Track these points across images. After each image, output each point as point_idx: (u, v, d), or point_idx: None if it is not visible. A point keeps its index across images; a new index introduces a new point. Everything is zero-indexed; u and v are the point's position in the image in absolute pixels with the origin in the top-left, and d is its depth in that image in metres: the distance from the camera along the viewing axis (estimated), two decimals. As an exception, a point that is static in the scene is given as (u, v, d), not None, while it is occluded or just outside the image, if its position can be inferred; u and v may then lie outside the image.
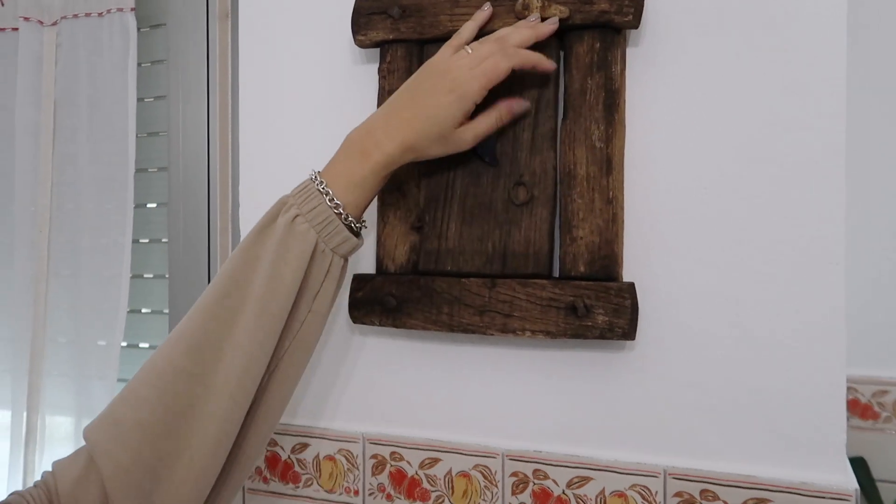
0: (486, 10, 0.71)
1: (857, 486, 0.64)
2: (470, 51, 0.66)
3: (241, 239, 0.66)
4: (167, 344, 0.62)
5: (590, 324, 0.66)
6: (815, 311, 0.65)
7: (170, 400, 0.60)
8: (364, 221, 0.68)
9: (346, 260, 0.67)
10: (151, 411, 0.60)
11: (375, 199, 0.75)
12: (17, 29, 1.14)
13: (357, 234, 0.67)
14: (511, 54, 0.65)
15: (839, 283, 0.65)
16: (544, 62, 0.67)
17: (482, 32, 0.71)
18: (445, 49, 0.69)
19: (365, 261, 0.81)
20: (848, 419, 1.20)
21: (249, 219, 0.88)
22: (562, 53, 0.71)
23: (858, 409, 1.20)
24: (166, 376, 0.60)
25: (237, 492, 0.68)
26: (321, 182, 0.64)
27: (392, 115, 0.66)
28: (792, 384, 0.66)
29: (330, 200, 0.63)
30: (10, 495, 0.58)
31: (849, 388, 1.19)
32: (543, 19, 0.68)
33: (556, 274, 0.70)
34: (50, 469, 0.61)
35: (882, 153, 1.16)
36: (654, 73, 0.70)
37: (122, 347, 1.13)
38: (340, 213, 0.64)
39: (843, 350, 0.65)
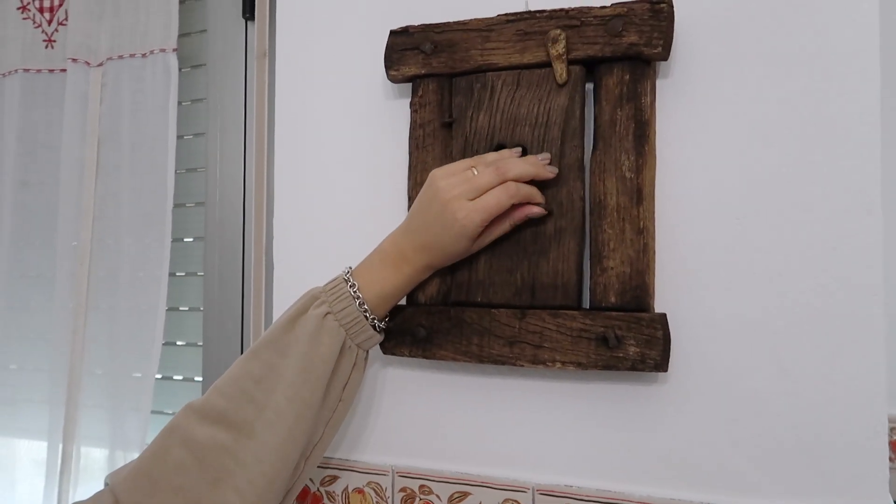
0: (515, 151, 0.71)
1: (901, 522, 0.62)
2: (476, 173, 0.68)
3: (272, 324, 0.72)
4: (205, 416, 0.68)
5: (621, 355, 0.66)
6: (855, 346, 0.64)
7: (206, 469, 0.65)
8: (387, 318, 0.74)
9: (367, 353, 0.74)
10: (188, 477, 0.65)
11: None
12: (64, 70, 1.19)
13: (380, 331, 0.73)
14: (512, 193, 0.67)
15: (880, 317, 0.63)
16: (543, 172, 0.69)
17: (515, 66, 0.73)
18: (458, 164, 0.70)
19: (396, 292, 0.81)
20: (893, 460, 1.15)
21: (283, 252, 0.89)
22: (591, 85, 0.71)
23: (905, 451, 1.15)
24: (204, 448, 0.66)
25: None
26: (353, 285, 0.70)
27: (419, 241, 0.70)
28: (831, 420, 0.64)
29: (360, 305, 0.69)
30: None
31: (893, 429, 1.15)
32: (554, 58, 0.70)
33: (587, 305, 0.70)
34: None
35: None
36: (683, 105, 0.70)
37: (157, 379, 1.15)
38: (368, 317, 0.70)
39: (885, 385, 0.63)
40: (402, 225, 0.72)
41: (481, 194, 0.67)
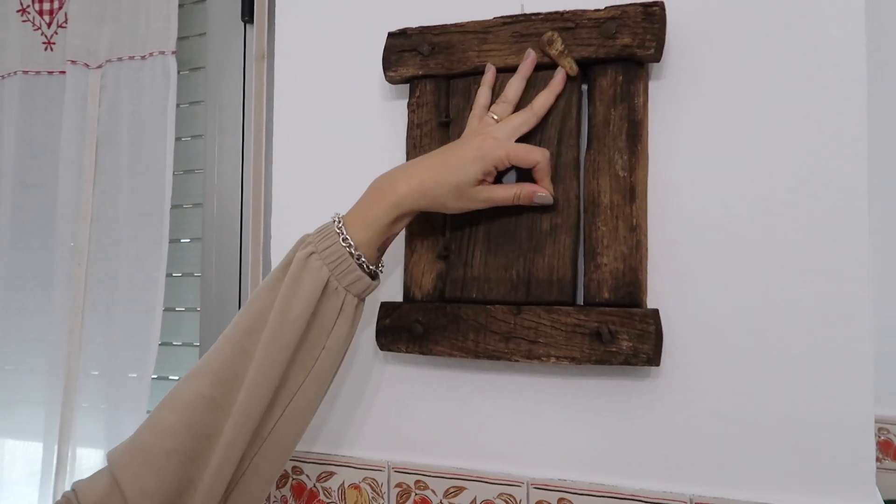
0: (490, 71, 0.75)
1: (887, 514, 0.63)
2: (496, 117, 0.71)
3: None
4: (194, 375, 0.66)
5: (615, 349, 0.67)
6: (842, 342, 0.65)
7: (197, 429, 0.63)
8: (382, 265, 0.71)
9: (362, 300, 0.70)
10: (179, 440, 0.63)
11: (403, 232, 0.77)
12: (64, 72, 1.20)
13: (373, 275, 0.69)
14: (536, 110, 0.71)
15: (865, 309, 0.65)
16: (558, 85, 0.72)
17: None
18: (472, 121, 0.73)
19: (392, 289, 0.82)
20: (881, 461, 1.17)
21: (280, 253, 0.90)
22: (585, 86, 0.73)
23: (891, 450, 1.17)
24: (193, 406, 0.64)
25: None
26: (339, 223, 0.68)
27: (416, 164, 0.71)
28: (820, 413, 0.66)
29: (343, 240, 0.67)
30: None
31: (882, 430, 1.16)
32: (555, 64, 0.72)
33: (581, 301, 0.71)
34: (69, 489, 0.63)
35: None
36: (675, 105, 0.72)
37: (153, 379, 1.15)
38: (353, 253, 0.67)
39: (871, 380, 0.65)
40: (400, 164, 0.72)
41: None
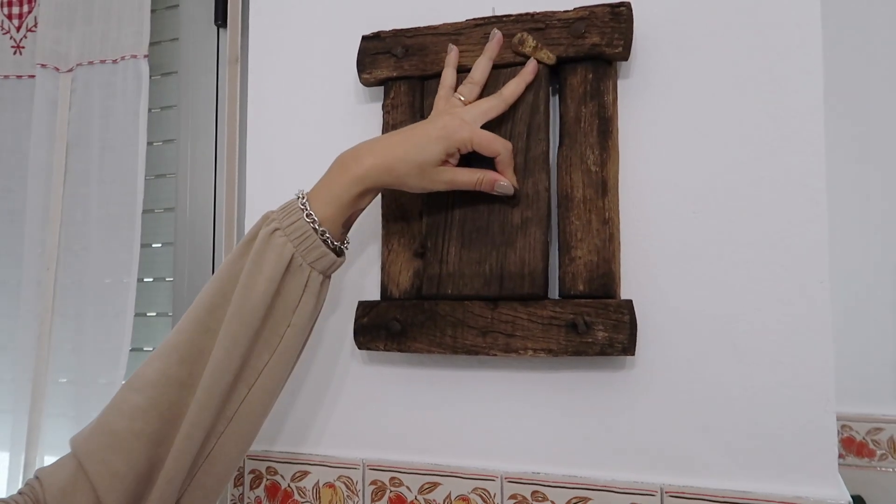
0: (453, 51, 0.76)
1: (849, 498, 0.65)
2: (463, 98, 0.72)
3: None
4: (159, 355, 0.65)
5: (590, 340, 0.68)
6: (804, 332, 0.68)
7: (164, 409, 0.63)
8: (347, 242, 0.71)
9: (327, 277, 0.69)
10: (146, 420, 0.62)
11: (380, 228, 0.78)
12: (33, 76, 1.19)
13: (338, 251, 0.69)
14: (506, 97, 0.72)
15: (826, 304, 0.67)
16: (526, 72, 0.73)
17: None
18: (439, 102, 0.74)
19: (369, 288, 0.83)
20: (844, 457, 1.20)
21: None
22: (556, 86, 0.75)
23: (854, 446, 1.20)
24: (160, 386, 0.63)
25: (215, 499, 0.69)
26: (303, 199, 0.67)
27: (381, 139, 0.71)
28: (783, 403, 0.68)
29: (307, 216, 0.66)
30: None
31: (844, 426, 1.20)
32: (524, 60, 0.74)
33: (556, 294, 0.73)
34: (33, 477, 0.62)
35: (866, 189, 1.20)
36: (643, 103, 0.74)
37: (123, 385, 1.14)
38: (317, 229, 0.66)
39: (832, 369, 0.67)
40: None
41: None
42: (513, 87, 0.72)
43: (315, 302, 0.69)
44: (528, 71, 0.73)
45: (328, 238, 0.67)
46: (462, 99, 0.72)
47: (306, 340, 0.71)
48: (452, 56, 0.76)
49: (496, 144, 0.69)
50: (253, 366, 0.66)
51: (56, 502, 0.60)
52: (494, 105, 0.71)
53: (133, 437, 0.61)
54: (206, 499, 0.67)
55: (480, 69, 0.73)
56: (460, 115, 0.69)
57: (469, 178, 0.70)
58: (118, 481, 0.60)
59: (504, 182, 0.70)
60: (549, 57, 0.73)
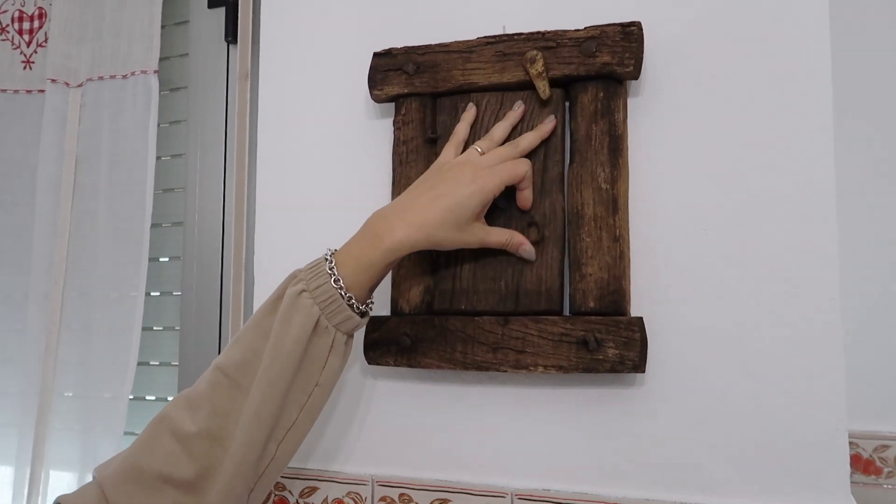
0: (471, 110, 0.77)
1: (862, 516, 0.65)
2: (479, 150, 0.72)
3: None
4: (190, 403, 0.66)
5: (601, 357, 0.69)
6: (815, 350, 0.68)
7: (195, 458, 0.64)
8: (371, 301, 0.72)
9: (350, 336, 0.70)
10: (177, 467, 0.63)
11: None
12: (42, 91, 1.20)
13: (362, 314, 0.70)
14: (519, 149, 0.73)
15: (836, 322, 0.68)
16: (545, 129, 0.75)
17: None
18: (450, 149, 0.75)
19: (380, 303, 0.83)
20: (850, 474, 1.19)
21: (262, 272, 0.91)
22: (567, 104, 0.75)
23: (861, 464, 1.19)
24: (192, 436, 0.64)
25: None
26: (331, 262, 0.68)
27: (411, 202, 0.70)
28: (794, 420, 0.68)
29: (335, 282, 0.67)
30: None
31: (851, 443, 1.19)
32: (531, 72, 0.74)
33: (567, 310, 0.73)
34: (56, 503, 0.62)
35: (875, 206, 1.20)
36: (653, 121, 0.75)
37: (130, 400, 1.14)
38: (343, 294, 0.67)
39: (843, 386, 0.67)
40: (401, 195, 0.72)
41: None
42: (529, 140, 0.74)
43: (341, 361, 0.70)
44: (547, 129, 0.74)
45: (353, 303, 0.68)
46: (479, 151, 0.73)
47: (328, 398, 0.72)
48: (470, 114, 0.77)
49: (520, 168, 0.71)
50: (283, 424, 0.67)
51: None
52: (511, 155, 0.73)
53: (161, 480, 0.62)
54: None
55: (501, 130, 0.75)
56: (483, 164, 0.71)
57: (498, 238, 0.72)
58: None
59: (528, 248, 0.73)
60: (544, 91, 0.74)
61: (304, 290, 0.67)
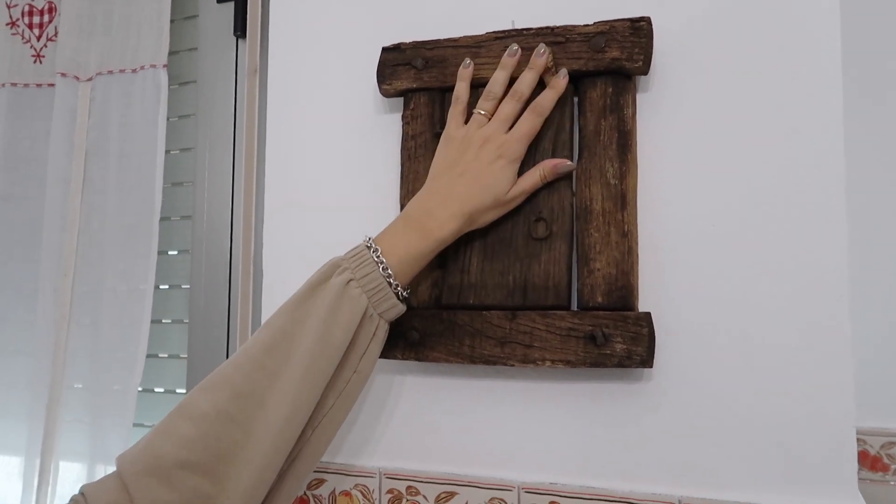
0: (468, 67, 0.76)
1: (869, 513, 0.65)
2: (483, 112, 0.72)
3: (292, 294, 0.70)
4: (211, 387, 0.65)
5: (608, 352, 0.69)
6: (823, 347, 0.68)
7: (212, 442, 0.63)
8: (408, 290, 0.72)
9: (388, 325, 0.71)
10: (194, 451, 0.62)
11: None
12: (52, 85, 1.20)
13: (404, 300, 0.71)
14: (540, 111, 0.72)
15: (845, 319, 0.68)
16: (561, 86, 0.73)
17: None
18: (454, 116, 0.74)
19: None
20: (859, 471, 1.19)
21: (271, 266, 0.91)
22: (576, 99, 0.75)
23: (868, 461, 1.19)
24: (210, 419, 0.63)
25: None
26: (377, 250, 0.68)
27: (448, 191, 0.71)
28: (802, 417, 0.68)
29: (384, 270, 0.68)
30: None
31: (860, 440, 1.19)
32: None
33: (575, 305, 0.73)
34: (79, 493, 0.62)
35: (886, 202, 1.19)
36: (662, 117, 0.75)
37: (139, 392, 1.14)
38: (391, 282, 0.68)
39: (852, 384, 0.67)
40: (424, 188, 0.73)
41: (511, 125, 0.71)
42: (527, 81, 0.73)
43: (379, 349, 0.71)
44: (561, 84, 0.73)
45: (399, 290, 0.69)
46: (483, 114, 0.73)
47: (364, 385, 0.72)
48: (468, 71, 0.76)
49: (535, 124, 0.72)
50: (319, 410, 0.68)
51: None
52: (535, 125, 0.72)
53: (178, 466, 0.61)
54: None
55: (499, 83, 0.74)
56: (498, 130, 0.71)
57: (534, 181, 0.73)
58: None
59: (561, 164, 0.72)
60: (557, 81, 0.73)
61: (351, 279, 0.67)
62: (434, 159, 0.74)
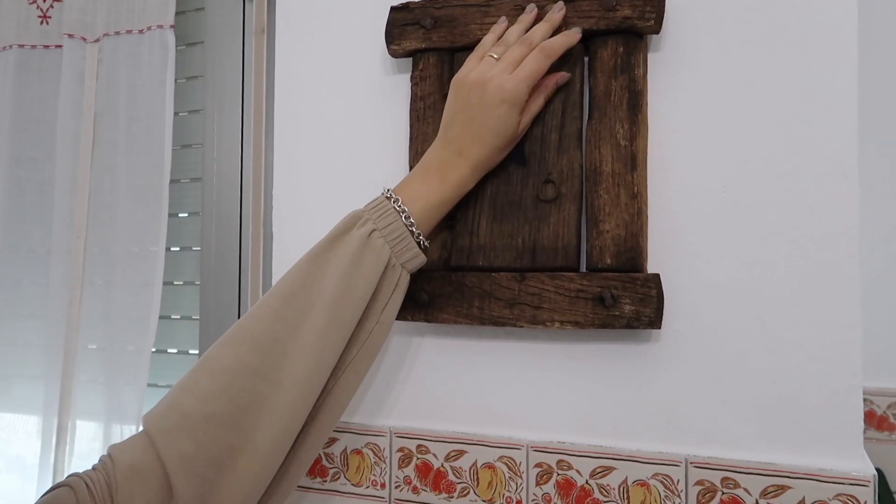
0: (502, 23, 0.75)
1: (874, 472, 0.66)
2: (496, 55, 0.71)
3: (311, 247, 0.69)
4: (231, 339, 0.65)
5: (617, 313, 0.69)
6: (832, 306, 0.68)
7: (236, 394, 0.62)
8: (429, 239, 0.72)
9: (409, 276, 0.71)
10: (218, 404, 0.62)
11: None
12: (60, 46, 1.20)
13: (425, 250, 0.71)
14: (548, 52, 0.70)
15: (855, 278, 0.67)
16: (573, 37, 0.72)
17: None
18: (471, 60, 0.73)
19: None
20: (864, 430, 1.20)
21: (281, 227, 0.91)
22: (586, 59, 0.75)
23: (874, 420, 1.21)
24: (232, 371, 0.63)
25: (293, 488, 0.70)
26: (397, 200, 0.69)
27: (462, 142, 0.71)
28: (809, 376, 0.68)
29: (406, 219, 0.68)
30: (69, 476, 0.60)
31: (864, 400, 1.20)
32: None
33: (584, 267, 0.73)
34: (106, 454, 0.62)
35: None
36: (674, 77, 0.74)
37: (152, 353, 1.16)
38: (414, 232, 0.68)
39: (859, 343, 0.67)
40: (438, 138, 0.73)
41: (517, 67, 0.70)
42: (541, 31, 0.72)
43: (401, 299, 0.71)
44: (574, 37, 0.72)
45: (421, 239, 0.70)
46: (494, 56, 0.71)
47: (387, 335, 0.72)
48: (500, 26, 0.75)
49: (541, 64, 0.70)
50: (343, 360, 0.68)
51: (126, 479, 0.59)
52: (541, 65, 0.71)
53: (203, 420, 0.61)
54: (287, 487, 0.68)
55: (514, 34, 0.73)
56: (503, 71, 0.70)
57: (538, 103, 0.73)
58: (187, 462, 0.60)
59: (559, 78, 0.73)
60: (570, 32, 0.72)
61: (374, 230, 0.67)
62: (446, 105, 0.73)
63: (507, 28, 0.75)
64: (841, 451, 0.67)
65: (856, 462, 0.67)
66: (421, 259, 0.70)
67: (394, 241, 0.68)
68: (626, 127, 0.70)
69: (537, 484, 0.76)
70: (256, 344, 0.64)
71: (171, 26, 1.12)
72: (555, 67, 0.73)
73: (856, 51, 0.68)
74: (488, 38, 0.75)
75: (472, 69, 0.72)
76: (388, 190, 0.70)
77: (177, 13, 1.13)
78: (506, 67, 0.70)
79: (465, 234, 0.76)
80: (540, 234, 0.73)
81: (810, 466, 0.67)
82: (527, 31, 0.74)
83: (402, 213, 0.68)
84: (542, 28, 0.72)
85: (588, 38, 0.73)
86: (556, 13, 0.73)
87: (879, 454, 1.19)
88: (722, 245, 0.71)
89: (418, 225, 0.69)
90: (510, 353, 0.79)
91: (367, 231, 0.67)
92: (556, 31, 0.73)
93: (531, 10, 0.74)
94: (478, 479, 0.79)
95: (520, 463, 0.77)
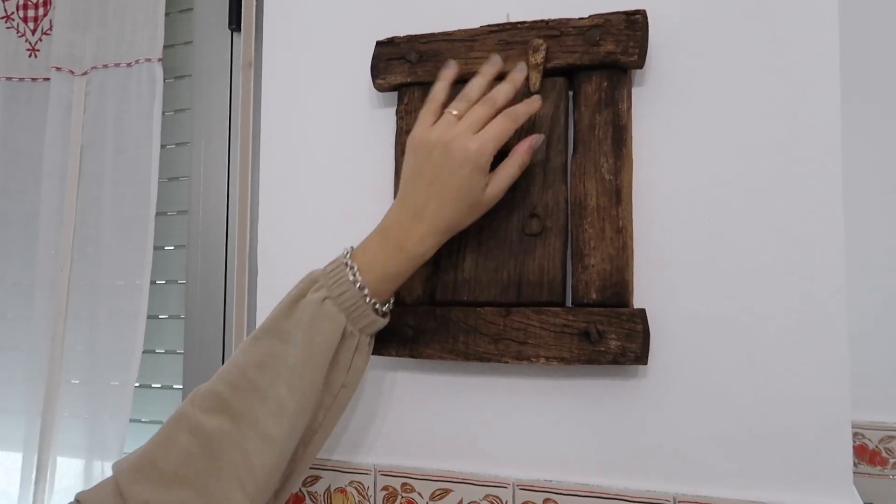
0: (452, 68, 0.73)
1: (864, 509, 0.65)
2: (455, 113, 0.68)
3: (276, 305, 0.70)
4: (209, 403, 0.65)
5: (603, 349, 0.68)
6: (820, 341, 0.67)
7: (212, 460, 0.63)
8: (391, 301, 0.71)
9: (373, 336, 0.70)
10: (194, 468, 0.63)
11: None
12: (48, 79, 1.20)
13: (384, 314, 0.70)
14: (513, 118, 0.68)
15: (842, 314, 0.67)
16: (535, 105, 0.70)
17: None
18: (426, 115, 0.70)
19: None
20: (856, 465, 1.19)
21: (267, 260, 0.91)
22: (571, 93, 0.75)
23: (866, 455, 1.19)
24: (210, 436, 0.64)
25: None
26: (353, 267, 0.67)
27: (421, 204, 0.67)
28: (798, 412, 0.68)
29: (360, 289, 0.66)
30: None
31: (856, 434, 1.19)
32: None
33: (569, 302, 0.73)
34: (74, 499, 0.62)
35: (882, 197, 1.19)
36: (658, 111, 0.74)
37: (135, 387, 1.14)
38: (368, 301, 0.67)
39: (848, 378, 0.66)
40: (396, 200, 0.70)
41: (481, 128, 0.67)
42: (504, 92, 0.70)
43: (365, 360, 0.70)
44: (517, 77, 0.71)
45: (378, 308, 0.68)
46: (455, 114, 0.68)
47: (352, 397, 0.72)
48: (450, 72, 0.73)
49: (507, 126, 0.67)
50: (309, 426, 0.68)
51: None
52: (506, 129, 0.68)
53: (178, 481, 0.62)
54: None
55: (476, 88, 0.70)
56: (466, 131, 0.67)
57: (512, 172, 0.69)
58: None
59: (533, 141, 0.70)
60: (534, 83, 0.73)
61: (327, 297, 0.66)
62: (403, 165, 0.70)
63: (457, 74, 0.73)
64: (830, 487, 0.66)
65: (845, 499, 0.66)
66: (380, 323, 0.69)
67: (349, 309, 0.66)
68: (610, 161, 0.70)
69: (524, 523, 0.75)
70: (233, 412, 0.65)
71: (160, 59, 1.12)
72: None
73: (838, 81, 0.68)
74: (439, 88, 0.72)
75: (430, 127, 0.69)
76: (348, 253, 0.69)
77: (165, 46, 1.13)
78: (468, 127, 0.67)
79: (450, 269, 0.76)
80: (525, 268, 0.73)
81: (799, 503, 0.66)
82: (488, 84, 0.71)
83: (357, 282, 0.66)
84: (505, 89, 0.70)
85: (572, 73, 0.73)
86: (518, 73, 0.71)
87: (871, 489, 1.17)
88: (708, 279, 0.71)
89: (374, 294, 0.67)
90: (496, 389, 0.78)
91: (320, 297, 0.66)
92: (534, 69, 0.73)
93: (495, 63, 0.72)
94: (463, 518, 0.77)
95: (506, 501, 0.76)
